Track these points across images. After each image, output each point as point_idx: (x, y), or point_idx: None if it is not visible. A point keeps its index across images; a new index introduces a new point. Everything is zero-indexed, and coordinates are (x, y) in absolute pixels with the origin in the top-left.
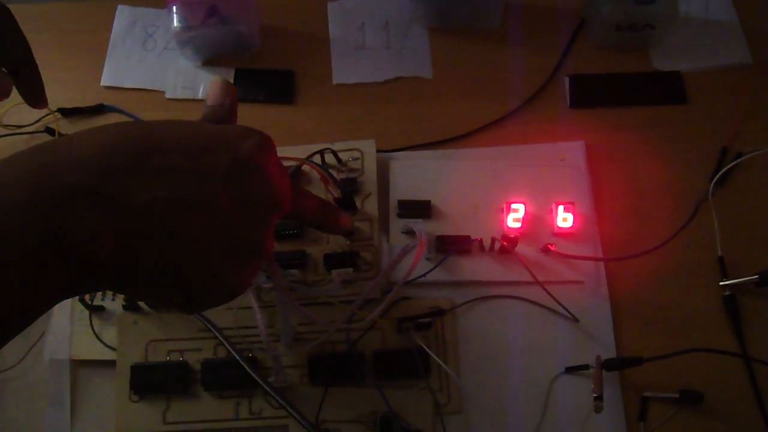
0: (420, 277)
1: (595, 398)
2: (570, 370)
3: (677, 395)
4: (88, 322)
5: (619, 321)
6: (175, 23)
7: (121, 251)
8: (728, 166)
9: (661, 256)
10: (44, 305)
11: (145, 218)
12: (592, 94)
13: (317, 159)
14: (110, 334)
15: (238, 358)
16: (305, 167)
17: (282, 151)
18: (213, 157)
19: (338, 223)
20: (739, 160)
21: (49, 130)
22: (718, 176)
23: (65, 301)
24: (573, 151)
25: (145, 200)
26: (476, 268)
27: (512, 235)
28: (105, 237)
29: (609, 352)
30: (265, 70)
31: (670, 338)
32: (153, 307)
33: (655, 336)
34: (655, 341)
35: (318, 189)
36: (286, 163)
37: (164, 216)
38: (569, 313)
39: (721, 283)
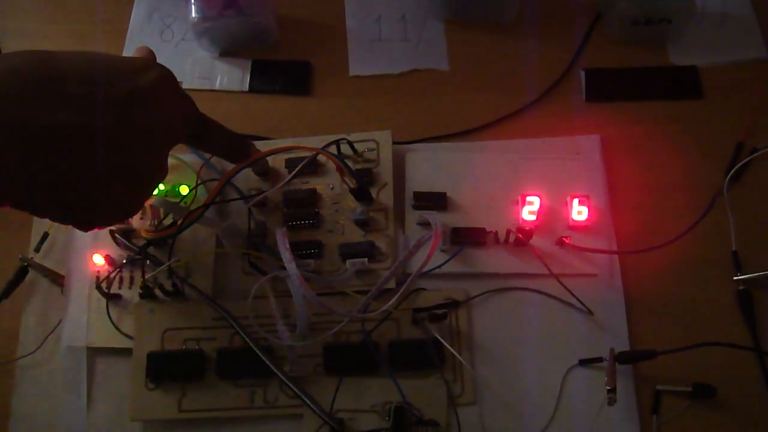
0: (435, 268)
1: (609, 391)
2: (584, 362)
3: (690, 389)
4: (105, 310)
5: (633, 314)
6: (193, 14)
7: (23, 174)
8: (743, 161)
9: (675, 250)
10: None
11: (45, 142)
12: (607, 88)
13: (333, 149)
14: (127, 322)
15: (253, 347)
16: (321, 157)
17: (298, 142)
18: (112, 87)
19: (246, 158)
20: (754, 155)
21: None
22: (733, 171)
23: (83, 290)
24: (588, 144)
25: (45, 125)
26: (491, 260)
27: (527, 228)
28: (7, 162)
29: (622, 345)
30: (282, 61)
31: (684, 332)
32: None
33: (668, 329)
34: (669, 335)
35: (333, 179)
36: (301, 154)
37: (64, 140)
38: (583, 305)
39: (735, 278)
